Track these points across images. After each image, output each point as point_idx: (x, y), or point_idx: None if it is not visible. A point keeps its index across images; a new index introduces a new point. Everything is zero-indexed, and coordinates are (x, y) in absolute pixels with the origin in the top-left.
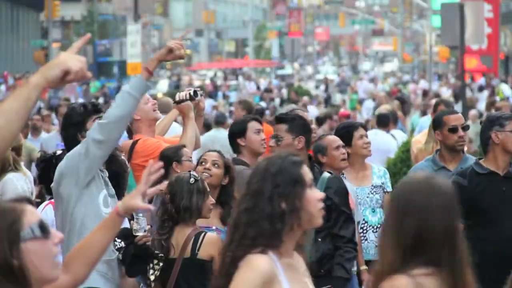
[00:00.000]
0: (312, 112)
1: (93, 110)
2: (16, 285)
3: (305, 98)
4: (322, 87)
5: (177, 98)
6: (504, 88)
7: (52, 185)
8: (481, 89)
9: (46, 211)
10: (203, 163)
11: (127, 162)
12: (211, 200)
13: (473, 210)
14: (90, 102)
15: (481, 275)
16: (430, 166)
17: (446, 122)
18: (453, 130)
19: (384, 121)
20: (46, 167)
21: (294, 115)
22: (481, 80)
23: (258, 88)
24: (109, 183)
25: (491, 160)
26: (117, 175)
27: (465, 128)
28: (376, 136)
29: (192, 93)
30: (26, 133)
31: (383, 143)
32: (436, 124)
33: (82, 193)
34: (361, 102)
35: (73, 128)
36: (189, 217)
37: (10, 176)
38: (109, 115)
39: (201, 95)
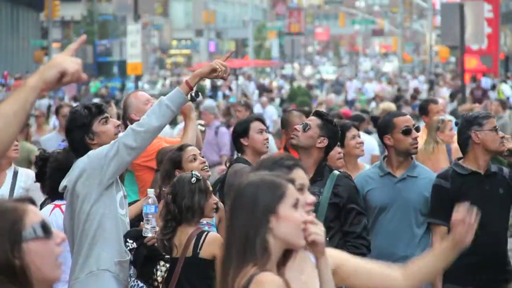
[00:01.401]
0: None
1: (98, 111)
2: (17, 285)
3: (264, 99)
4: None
5: None
6: (504, 88)
7: (64, 182)
8: (494, 87)
9: (55, 214)
10: (196, 159)
11: None
12: (214, 199)
13: None
14: (93, 103)
15: (470, 275)
16: (377, 172)
17: (397, 124)
18: (407, 132)
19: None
20: (44, 166)
21: (332, 119)
22: (485, 80)
23: (230, 89)
24: (122, 185)
25: (471, 160)
26: None
27: (417, 129)
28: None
29: (193, 94)
30: (27, 133)
31: (367, 143)
32: (385, 128)
33: (102, 194)
34: (352, 102)
35: (79, 131)
36: (192, 217)
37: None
38: (145, 124)
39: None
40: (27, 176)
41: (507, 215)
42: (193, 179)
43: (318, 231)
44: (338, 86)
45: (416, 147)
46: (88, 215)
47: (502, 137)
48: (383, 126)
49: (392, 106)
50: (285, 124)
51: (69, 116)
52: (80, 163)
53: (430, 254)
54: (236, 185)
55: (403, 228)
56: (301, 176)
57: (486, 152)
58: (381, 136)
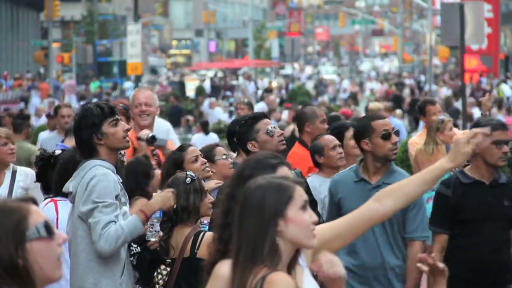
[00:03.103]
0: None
1: (109, 112)
2: (20, 284)
3: (213, 99)
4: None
5: (139, 135)
6: (504, 88)
7: (70, 188)
8: (497, 85)
9: (48, 208)
10: (197, 160)
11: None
12: (210, 198)
13: (458, 220)
14: (105, 103)
15: (468, 285)
16: (351, 177)
17: (375, 128)
18: (386, 136)
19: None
20: (44, 166)
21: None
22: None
23: (230, 89)
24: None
25: (474, 169)
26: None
27: (396, 133)
28: None
29: (149, 137)
30: (27, 133)
31: None
32: (362, 133)
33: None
34: (345, 101)
35: (88, 130)
36: (187, 217)
37: None
38: (119, 238)
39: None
40: (25, 175)
41: (510, 228)
42: (188, 180)
43: (339, 267)
44: (321, 87)
45: (395, 153)
46: (87, 238)
47: (505, 152)
48: (361, 130)
49: (380, 106)
50: (303, 119)
51: (79, 114)
52: (86, 178)
53: (413, 176)
54: (244, 189)
55: (383, 239)
56: (286, 173)
57: (486, 164)
58: (358, 141)
